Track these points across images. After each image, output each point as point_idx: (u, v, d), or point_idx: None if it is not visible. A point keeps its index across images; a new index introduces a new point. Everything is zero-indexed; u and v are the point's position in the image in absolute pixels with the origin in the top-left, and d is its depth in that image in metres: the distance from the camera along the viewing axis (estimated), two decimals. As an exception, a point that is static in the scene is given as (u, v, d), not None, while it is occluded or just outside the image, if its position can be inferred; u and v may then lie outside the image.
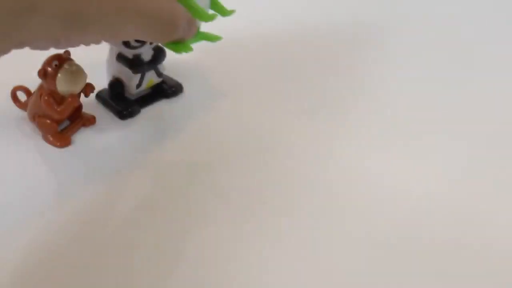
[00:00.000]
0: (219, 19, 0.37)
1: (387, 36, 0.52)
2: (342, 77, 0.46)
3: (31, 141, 0.38)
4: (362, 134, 0.40)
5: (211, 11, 0.38)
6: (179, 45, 0.37)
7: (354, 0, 0.58)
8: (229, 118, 0.41)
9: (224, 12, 0.39)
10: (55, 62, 0.36)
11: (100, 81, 0.42)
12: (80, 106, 0.40)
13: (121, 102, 0.40)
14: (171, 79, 0.42)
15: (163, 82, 0.41)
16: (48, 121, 0.38)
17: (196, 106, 0.41)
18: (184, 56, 0.44)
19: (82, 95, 0.38)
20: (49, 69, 0.36)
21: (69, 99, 0.37)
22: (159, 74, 0.40)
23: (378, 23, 0.55)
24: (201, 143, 0.39)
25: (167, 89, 0.41)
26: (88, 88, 0.38)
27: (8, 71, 0.39)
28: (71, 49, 0.37)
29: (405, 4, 0.58)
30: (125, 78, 0.39)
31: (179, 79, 0.42)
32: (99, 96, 0.41)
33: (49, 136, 0.38)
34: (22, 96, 0.40)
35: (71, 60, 0.37)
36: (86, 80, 0.38)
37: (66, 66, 0.36)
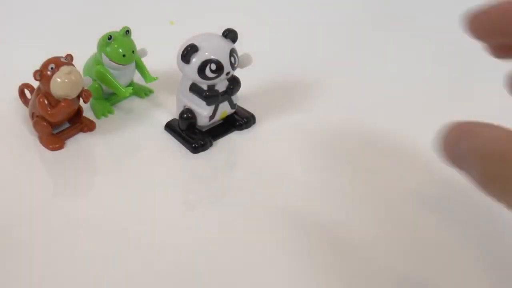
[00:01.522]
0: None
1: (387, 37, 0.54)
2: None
3: (29, 140, 0.39)
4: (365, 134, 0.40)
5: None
6: (100, 107, 0.41)
7: (353, 1, 0.60)
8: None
9: (148, 78, 0.42)
10: (52, 65, 0.35)
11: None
12: (80, 111, 0.39)
13: (192, 133, 0.39)
14: (244, 110, 0.41)
15: (235, 113, 0.40)
16: (43, 122, 0.38)
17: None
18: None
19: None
20: (45, 71, 0.36)
21: (62, 103, 0.36)
22: (233, 105, 0.39)
23: (378, 24, 0.56)
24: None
25: (239, 120, 0.40)
26: (84, 94, 0.37)
27: (17, 70, 0.39)
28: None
29: (406, 5, 0.60)
30: (197, 109, 0.38)
31: (251, 110, 0.41)
32: (168, 127, 0.40)
33: (42, 137, 0.38)
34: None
35: (69, 65, 0.36)
36: (81, 86, 0.37)
37: (62, 70, 0.35)
